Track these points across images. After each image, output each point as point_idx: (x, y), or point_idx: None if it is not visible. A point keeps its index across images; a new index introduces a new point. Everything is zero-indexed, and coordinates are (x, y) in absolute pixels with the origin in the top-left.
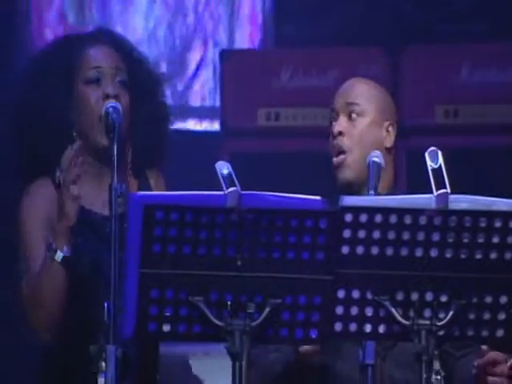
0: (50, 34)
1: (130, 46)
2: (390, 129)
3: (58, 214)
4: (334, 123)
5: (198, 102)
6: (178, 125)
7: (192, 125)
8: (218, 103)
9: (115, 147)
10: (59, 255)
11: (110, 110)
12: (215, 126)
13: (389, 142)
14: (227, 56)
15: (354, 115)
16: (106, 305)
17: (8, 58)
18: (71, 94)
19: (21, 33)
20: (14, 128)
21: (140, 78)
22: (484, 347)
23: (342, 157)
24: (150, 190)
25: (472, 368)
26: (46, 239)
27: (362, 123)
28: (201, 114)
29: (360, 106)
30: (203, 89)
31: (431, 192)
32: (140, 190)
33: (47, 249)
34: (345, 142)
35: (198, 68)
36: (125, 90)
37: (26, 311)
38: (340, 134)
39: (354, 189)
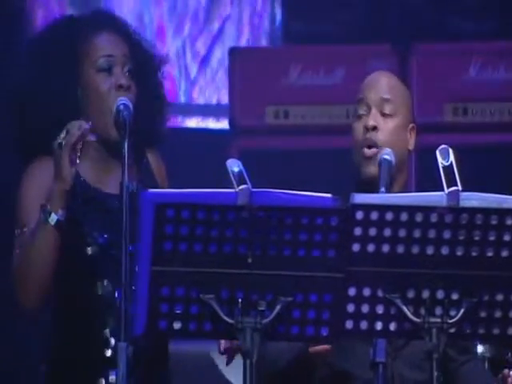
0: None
1: (132, 29)
2: (412, 132)
3: (54, 177)
4: (364, 116)
5: (203, 100)
6: (186, 123)
7: (197, 123)
8: (223, 101)
9: (126, 145)
10: (53, 218)
11: (121, 107)
12: (221, 124)
13: (411, 144)
14: (236, 53)
15: (387, 112)
16: (116, 293)
17: (10, 37)
18: (77, 77)
19: (22, 12)
20: (16, 107)
21: (142, 63)
22: (506, 371)
23: (374, 150)
24: (151, 168)
25: (476, 376)
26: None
27: (395, 122)
28: (206, 111)
29: (394, 104)
30: (209, 86)
31: (441, 190)
32: (140, 171)
33: (41, 210)
34: (379, 136)
35: (203, 66)
36: (133, 79)
37: (15, 280)
38: (374, 128)
39: (375, 185)
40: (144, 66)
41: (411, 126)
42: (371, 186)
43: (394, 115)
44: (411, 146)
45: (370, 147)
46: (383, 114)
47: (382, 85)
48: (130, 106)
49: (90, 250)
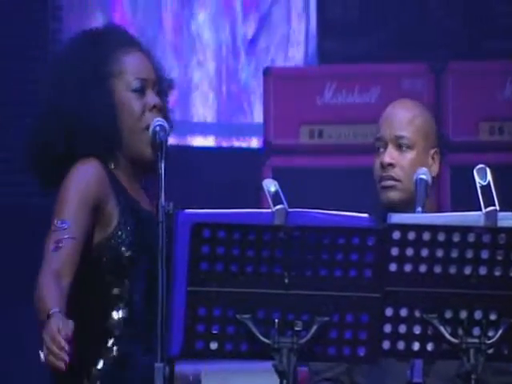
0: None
1: (150, 50)
2: (435, 156)
3: None
4: (381, 150)
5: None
6: (219, 142)
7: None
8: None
9: (163, 166)
10: None
11: (158, 128)
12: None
13: (434, 170)
14: (270, 73)
15: (404, 147)
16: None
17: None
18: (109, 95)
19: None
20: (51, 124)
21: (161, 85)
22: None
23: (390, 182)
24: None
25: None
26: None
27: (412, 154)
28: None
29: (409, 138)
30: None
31: (476, 209)
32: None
33: None
34: (396, 172)
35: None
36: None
37: None
38: (390, 165)
39: (397, 209)
40: (163, 90)
41: (433, 151)
42: (392, 210)
43: (412, 148)
44: (434, 173)
45: (387, 180)
46: (399, 149)
47: (397, 121)
48: (167, 126)
49: (126, 252)
